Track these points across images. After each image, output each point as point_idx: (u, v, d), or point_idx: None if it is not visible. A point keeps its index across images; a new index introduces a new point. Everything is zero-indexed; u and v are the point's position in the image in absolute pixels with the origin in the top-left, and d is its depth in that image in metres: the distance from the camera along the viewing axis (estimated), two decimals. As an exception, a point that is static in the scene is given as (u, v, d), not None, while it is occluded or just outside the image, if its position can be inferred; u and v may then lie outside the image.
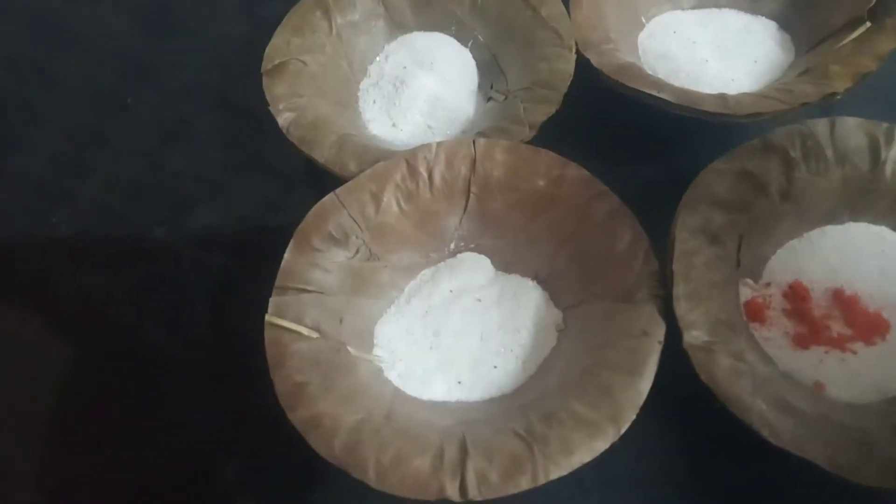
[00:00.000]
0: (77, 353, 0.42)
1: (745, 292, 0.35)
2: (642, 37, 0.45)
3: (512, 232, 0.38)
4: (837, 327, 0.34)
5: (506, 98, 0.43)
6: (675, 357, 0.31)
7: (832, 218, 0.36)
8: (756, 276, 0.36)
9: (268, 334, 0.33)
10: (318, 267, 0.35)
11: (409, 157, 0.37)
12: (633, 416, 0.29)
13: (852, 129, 0.35)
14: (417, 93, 0.43)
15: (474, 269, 0.38)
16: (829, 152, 0.35)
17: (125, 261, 0.45)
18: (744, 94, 0.39)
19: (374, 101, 0.44)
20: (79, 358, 0.41)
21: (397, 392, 0.34)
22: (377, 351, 0.36)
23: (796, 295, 0.35)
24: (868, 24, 0.39)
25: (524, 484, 0.28)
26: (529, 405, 0.31)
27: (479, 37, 0.45)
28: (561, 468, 0.28)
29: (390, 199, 0.37)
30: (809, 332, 0.34)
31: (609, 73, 0.39)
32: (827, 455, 0.28)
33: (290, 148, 0.40)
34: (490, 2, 0.45)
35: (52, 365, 0.41)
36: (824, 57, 0.39)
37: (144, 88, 0.51)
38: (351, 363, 0.34)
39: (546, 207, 0.36)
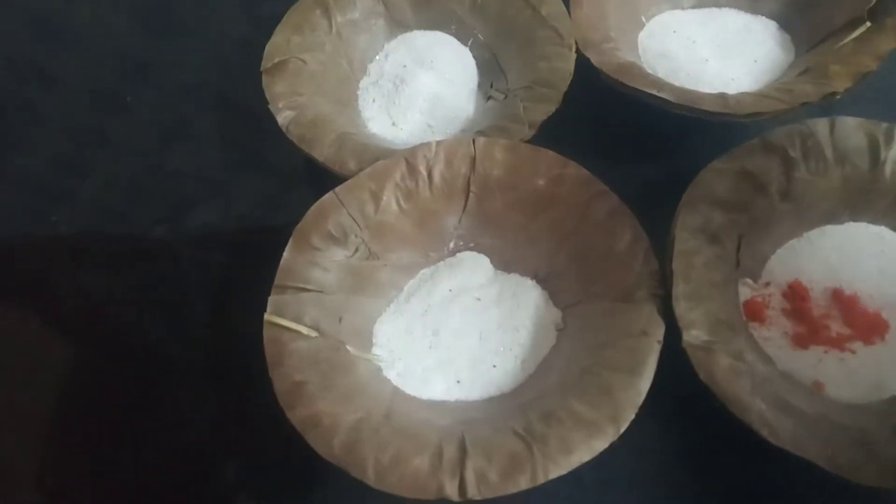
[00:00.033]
0: (77, 352, 0.42)
1: (745, 292, 0.35)
2: (642, 36, 0.45)
3: (511, 231, 0.37)
4: (837, 327, 0.34)
5: (506, 97, 0.42)
6: (674, 356, 0.31)
7: (832, 218, 0.36)
8: (755, 276, 0.36)
9: (267, 333, 0.33)
10: (317, 266, 0.35)
11: (409, 156, 0.37)
12: (633, 416, 0.29)
13: (852, 129, 0.35)
14: (417, 91, 0.43)
15: (474, 269, 0.38)
16: (829, 152, 0.35)
17: (125, 260, 0.45)
18: (744, 93, 0.39)
19: (374, 100, 0.44)
20: (79, 357, 0.41)
21: (396, 391, 0.34)
22: (376, 350, 0.36)
23: (796, 295, 0.35)
24: (868, 23, 0.39)
25: (523, 483, 0.28)
26: (529, 404, 0.31)
27: (479, 36, 0.45)
28: (560, 467, 0.28)
29: (390, 198, 0.37)
30: (809, 331, 0.34)
31: (609, 73, 0.39)
32: (826, 455, 0.28)
33: (290, 147, 0.40)
34: (490, 1, 0.45)
35: (52, 365, 0.41)
36: (824, 56, 0.39)
37: (144, 88, 0.51)
38: (350, 362, 0.34)
39: (546, 206, 0.36)
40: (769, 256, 0.36)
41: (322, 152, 0.39)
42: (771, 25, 0.44)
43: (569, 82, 0.40)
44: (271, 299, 0.34)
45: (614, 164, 0.37)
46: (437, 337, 0.35)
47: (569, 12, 0.42)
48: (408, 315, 0.36)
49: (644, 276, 0.33)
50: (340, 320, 0.34)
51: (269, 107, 0.41)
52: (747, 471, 0.33)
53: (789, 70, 0.42)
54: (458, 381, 0.34)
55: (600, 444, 0.28)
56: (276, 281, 0.34)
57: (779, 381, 0.31)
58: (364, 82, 0.45)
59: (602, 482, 0.34)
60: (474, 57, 0.45)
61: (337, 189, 0.36)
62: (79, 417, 0.40)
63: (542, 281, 0.37)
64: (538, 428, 0.29)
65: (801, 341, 0.34)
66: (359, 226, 0.36)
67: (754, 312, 0.34)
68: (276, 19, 0.44)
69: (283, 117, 0.40)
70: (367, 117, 0.44)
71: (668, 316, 0.32)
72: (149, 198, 0.47)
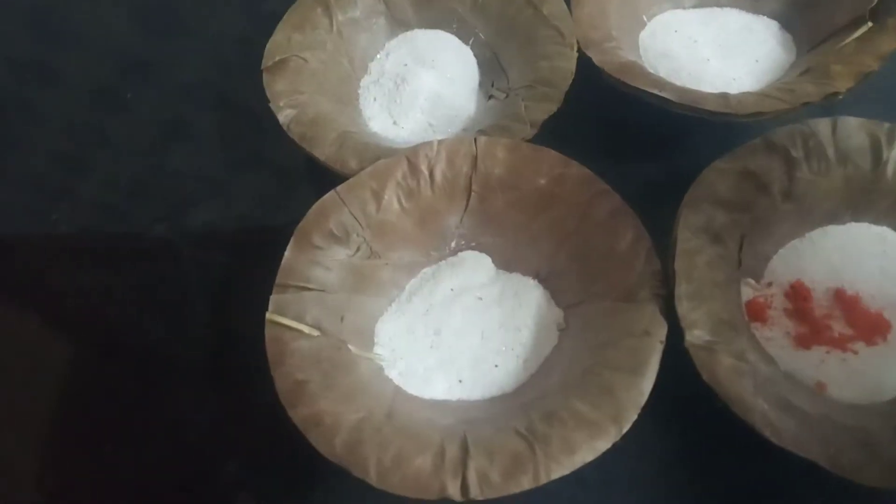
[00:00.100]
0: (77, 351, 0.42)
1: (747, 292, 0.35)
2: (644, 35, 0.45)
3: (513, 230, 0.37)
4: (839, 327, 0.34)
5: (507, 96, 0.42)
6: (676, 357, 0.31)
7: (834, 218, 0.36)
8: (758, 276, 0.36)
9: (268, 332, 0.33)
10: (318, 265, 0.35)
11: (411, 155, 0.37)
12: (635, 416, 0.29)
13: (854, 129, 0.35)
14: (418, 90, 0.43)
15: (475, 268, 0.37)
16: (831, 152, 0.35)
17: (125, 259, 0.45)
18: (745, 93, 0.39)
19: (375, 99, 0.44)
20: (79, 357, 0.41)
21: (398, 391, 0.34)
22: (378, 349, 0.35)
23: (798, 295, 0.35)
24: (870, 23, 0.39)
25: (526, 483, 0.28)
26: (531, 404, 0.31)
27: (481, 34, 0.45)
28: (563, 467, 0.28)
29: (391, 197, 0.37)
30: (811, 332, 0.34)
31: (611, 72, 0.39)
32: (829, 455, 0.28)
33: (291, 145, 0.40)
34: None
35: (52, 364, 0.41)
36: (826, 56, 0.39)
37: (144, 86, 0.51)
38: (352, 361, 0.33)
39: (547, 206, 0.36)
40: (771, 256, 0.36)
41: (323, 151, 0.39)
42: (772, 25, 0.44)
43: (570, 81, 0.40)
44: (273, 298, 0.34)
45: (616, 163, 0.37)
46: (438, 336, 0.35)
47: (570, 11, 0.42)
48: (409, 314, 0.36)
49: (646, 275, 0.33)
50: (342, 319, 0.34)
51: (270, 105, 0.40)
52: (749, 471, 0.33)
53: (791, 70, 0.42)
54: (460, 381, 0.34)
55: (602, 445, 0.28)
56: (278, 280, 0.34)
57: (781, 382, 0.31)
58: (365, 81, 0.45)
59: (604, 482, 0.34)
60: (475, 56, 0.45)
61: (338, 188, 0.36)
62: (79, 417, 0.39)
63: (543, 280, 0.37)
64: (540, 428, 0.29)
65: (803, 341, 0.34)
66: (360, 225, 0.36)
67: (756, 312, 0.34)
68: (276, 17, 0.44)
69: (284, 116, 0.40)
70: (368, 116, 0.44)
71: (670, 316, 0.32)
72: (149, 197, 0.47)
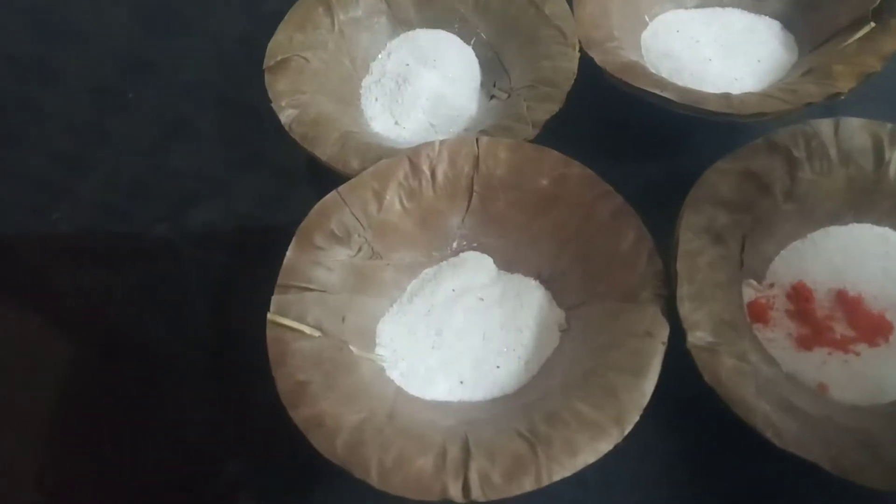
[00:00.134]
0: (77, 351, 0.42)
1: (749, 293, 0.35)
2: (646, 35, 0.45)
3: (515, 231, 0.37)
4: (841, 329, 0.34)
5: (509, 96, 0.42)
6: (678, 358, 0.31)
7: (836, 218, 0.36)
8: (759, 277, 0.36)
9: (270, 333, 0.33)
10: (320, 265, 0.35)
11: (412, 155, 0.37)
12: (637, 418, 0.29)
13: (856, 130, 0.35)
14: (420, 90, 0.43)
15: (477, 269, 0.37)
16: (833, 152, 0.35)
17: (126, 258, 0.45)
18: (748, 93, 0.39)
19: (377, 99, 0.44)
20: (79, 356, 0.41)
21: (399, 391, 0.34)
22: (379, 350, 0.35)
23: (799, 296, 0.35)
24: (872, 24, 0.39)
25: (527, 485, 0.28)
26: (532, 405, 0.31)
27: (482, 34, 0.45)
28: (564, 469, 0.28)
29: (393, 198, 0.37)
30: (813, 333, 0.34)
31: (613, 72, 0.39)
32: (831, 457, 0.28)
33: (291, 145, 0.40)
34: (493, -1, 0.45)
35: (52, 364, 0.41)
36: (828, 57, 0.39)
37: (145, 85, 0.51)
38: (353, 362, 0.33)
39: (549, 206, 0.36)
40: (773, 257, 0.36)
41: (325, 151, 0.38)
42: (774, 25, 0.44)
43: (572, 82, 0.39)
44: (274, 299, 0.33)
45: (618, 163, 0.37)
46: (440, 337, 0.35)
47: (572, 11, 0.42)
48: (411, 315, 0.36)
49: (648, 276, 0.33)
50: (343, 320, 0.34)
51: (272, 105, 0.40)
52: (751, 472, 0.33)
53: (793, 70, 0.42)
54: (462, 382, 0.34)
55: (605, 446, 0.28)
56: (280, 280, 0.34)
57: (783, 383, 0.31)
58: (367, 81, 0.45)
59: (606, 483, 0.34)
60: (477, 56, 0.45)
61: (340, 188, 0.36)
62: (79, 416, 0.39)
63: (545, 281, 0.37)
64: (542, 429, 0.29)
65: (805, 343, 0.34)
66: (362, 225, 0.36)
67: (758, 313, 0.34)
68: (277, 17, 0.44)
69: (285, 116, 0.40)
70: (370, 116, 0.44)
71: (671, 317, 0.32)
72: (150, 196, 0.47)
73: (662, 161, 0.43)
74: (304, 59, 0.43)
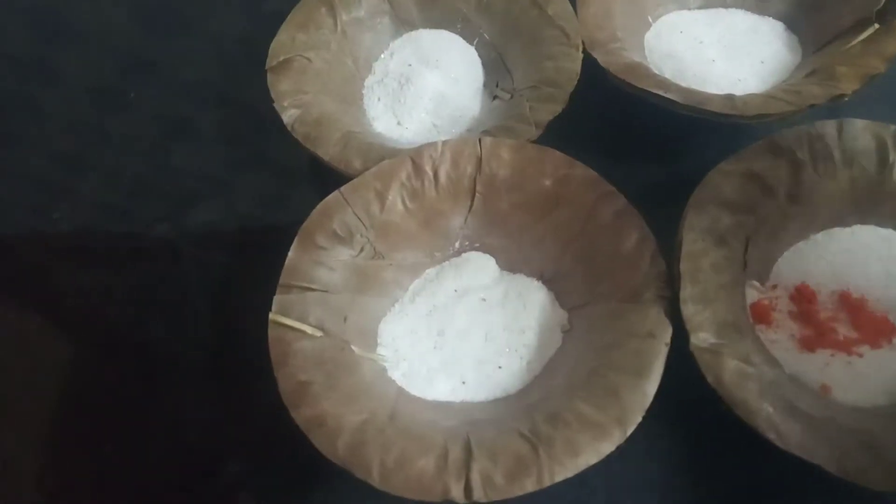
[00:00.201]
0: (77, 350, 0.41)
1: (752, 294, 0.35)
2: (649, 36, 0.45)
3: (517, 231, 0.37)
4: (844, 330, 0.34)
5: (511, 97, 0.42)
6: (681, 359, 0.31)
7: (839, 220, 0.36)
8: (763, 278, 0.36)
9: (272, 333, 0.33)
10: (322, 265, 0.35)
11: (415, 156, 0.37)
12: (640, 419, 0.29)
13: (860, 131, 0.35)
14: (423, 91, 0.43)
15: (479, 269, 0.37)
16: (837, 154, 0.35)
17: (126, 258, 0.45)
18: (751, 94, 0.39)
19: (379, 99, 0.44)
20: (79, 356, 0.41)
21: (401, 392, 0.34)
22: (381, 350, 0.35)
23: (802, 297, 0.35)
24: (876, 25, 0.38)
25: (529, 486, 0.28)
26: (535, 406, 0.31)
27: (485, 35, 0.45)
28: (567, 470, 0.28)
29: (395, 198, 0.37)
30: (816, 334, 0.34)
31: (616, 73, 0.39)
32: (834, 459, 0.28)
33: (293, 145, 0.40)
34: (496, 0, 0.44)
35: (52, 363, 0.41)
36: (832, 58, 0.39)
37: (146, 85, 0.51)
38: (355, 362, 0.33)
39: (552, 207, 0.36)
40: (776, 259, 0.36)
41: (327, 151, 0.38)
42: (778, 26, 0.44)
43: (575, 82, 0.39)
44: (276, 298, 0.33)
45: (621, 164, 0.37)
46: (442, 337, 0.35)
47: (575, 12, 0.42)
48: (413, 315, 0.36)
49: (651, 277, 0.33)
50: (345, 320, 0.34)
51: (275, 105, 0.40)
52: (753, 474, 0.33)
53: (796, 71, 0.41)
54: (464, 382, 0.34)
55: (607, 447, 0.28)
56: (282, 280, 0.34)
57: (786, 385, 0.31)
58: (369, 81, 0.45)
59: (608, 485, 0.34)
60: (480, 56, 0.45)
61: (342, 188, 0.36)
62: (79, 416, 0.39)
63: (548, 282, 0.37)
64: (544, 430, 0.29)
65: (808, 344, 0.33)
66: (364, 225, 0.36)
67: (761, 315, 0.34)
68: (277, 17, 0.44)
69: (288, 116, 0.40)
70: (373, 116, 0.44)
71: (674, 318, 0.31)
72: (150, 196, 0.47)
73: (665, 162, 0.43)
74: (307, 59, 0.42)
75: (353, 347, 0.34)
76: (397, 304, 0.37)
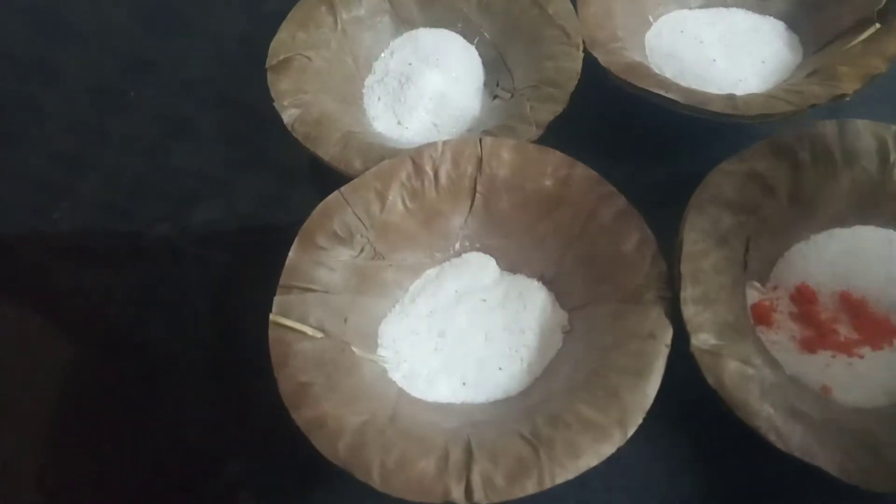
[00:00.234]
0: (78, 350, 0.41)
1: (752, 295, 0.35)
2: (649, 36, 0.45)
3: (518, 232, 0.37)
4: (845, 331, 0.34)
5: (512, 96, 0.42)
6: (681, 360, 0.31)
7: (840, 220, 0.36)
8: (763, 279, 0.35)
9: (272, 334, 0.32)
10: (322, 266, 0.35)
11: (415, 156, 0.37)
12: (640, 420, 0.29)
13: (861, 131, 0.35)
14: (423, 90, 0.43)
15: (479, 270, 0.37)
16: (838, 154, 0.35)
17: (126, 258, 0.45)
18: (752, 94, 0.38)
19: (379, 98, 0.44)
20: (79, 356, 0.41)
21: (402, 393, 0.34)
22: (381, 351, 0.35)
23: (803, 298, 0.35)
24: (877, 25, 0.38)
25: (530, 488, 0.28)
26: (535, 407, 0.31)
27: (486, 34, 0.45)
28: (567, 472, 0.28)
29: (395, 198, 0.36)
30: (816, 335, 0.34)
31: (616, 72, 0.39)
32: (835, 460, 0.28)
33: (293, 145, 0.39)
34: (497, -1, 0.44)
35: (52, 363, 0.41)
36: (833, 58, 0.39)
37: (146, 84, 0.51)
38: (355, 363, 0.33)
39: (553, 207, 0.36)
40: (777, 259, 0.36)
41: (327, 151, 0.38)
42: (779, 26, 0.44)
43: (576, 82, 0.39)
44: (277, 299, 0.33)
45: (621, 164, 0.37)
46: (442, 338, 0.35)
47: (576, 11, 0.42)
48: (413, 316, 0.36)
49: (652, 278, 0.33)
50: (346, 321, 0.34)
51: (275, 104, 0.40)
52: (754, 475, 0.33)
53: (797, 71, 0.41)
54: (464, 384, 0.34)
55: (607, 449, 0.28)
56: (282, 281, 0.34)
57: (787, 386, 0.31)
58: (369, 80, 0.45)
59: (608, 486, 0.34)
60: (480, 55, 0.45)
61: (342, 188, 0.36)
62: (79, 416, 0.39)
63: (548, 282, 0.37)
64: (545, 431, 0.29)
65: (808, 345, 0.33)
66: (364, 225, 0.36)
67: (762, 316, 0.34)
68: (277, 16, 0.44)
69: (288, 115, 0.40)
70: (373, 116, 0.44)
71: (675, 319, 0.31)
72: (150, 195, 0.47)
73: (666, 162, 0.42)
74: (307, 58, 0.42)
75: (353, 348, 0.34)
76: (398, 305, 0.37)
